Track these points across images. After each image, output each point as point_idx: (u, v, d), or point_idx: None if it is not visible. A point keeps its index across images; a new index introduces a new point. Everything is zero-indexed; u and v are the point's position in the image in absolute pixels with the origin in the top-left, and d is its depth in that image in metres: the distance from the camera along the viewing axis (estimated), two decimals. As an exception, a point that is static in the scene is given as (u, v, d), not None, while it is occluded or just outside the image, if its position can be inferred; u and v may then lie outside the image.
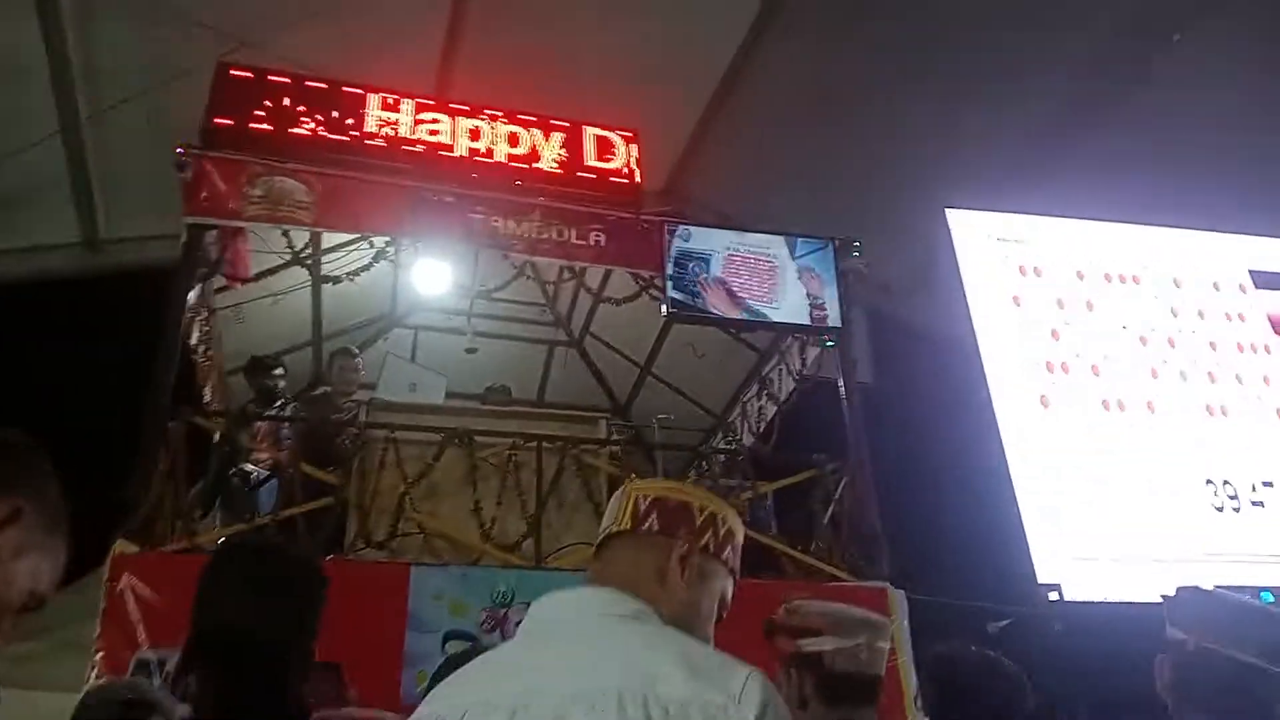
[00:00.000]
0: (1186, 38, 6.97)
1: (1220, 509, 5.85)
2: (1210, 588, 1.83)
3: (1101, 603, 5.45)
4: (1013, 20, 7.18)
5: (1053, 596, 5.43)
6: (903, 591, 5.22)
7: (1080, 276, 6.70)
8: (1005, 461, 5.88)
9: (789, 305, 6.03)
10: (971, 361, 6.27)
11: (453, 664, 2.12)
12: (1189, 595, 1.84)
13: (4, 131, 7.00)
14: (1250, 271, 6.92)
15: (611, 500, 1.53)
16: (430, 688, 2.05)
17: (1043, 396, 6.15)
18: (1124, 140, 7.13)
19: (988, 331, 6.32)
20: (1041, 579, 5.49)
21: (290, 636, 1.83)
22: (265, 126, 5.82)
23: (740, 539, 1.51)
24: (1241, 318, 6.72)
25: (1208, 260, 6.98)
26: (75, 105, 7.19)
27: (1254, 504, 5.90)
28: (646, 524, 1.43)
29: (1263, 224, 7.10)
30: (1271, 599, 5.48)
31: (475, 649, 2.14)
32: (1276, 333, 6.69)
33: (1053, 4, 6.99)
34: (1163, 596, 1.87)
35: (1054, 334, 6.38)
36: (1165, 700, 1.79)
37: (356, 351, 6.46)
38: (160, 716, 2.67)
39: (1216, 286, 6.84)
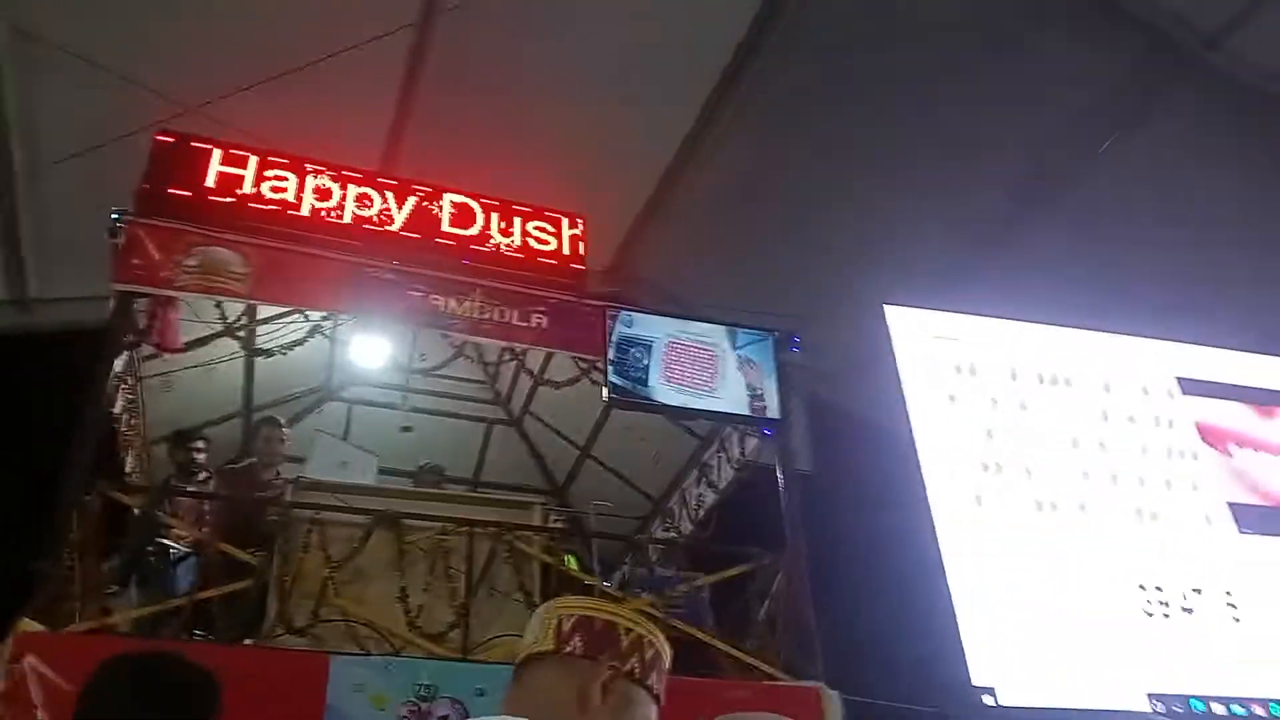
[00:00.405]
0: (1115, 148, 7.27)
1: (1151, 614, 5.89)
2: None
3: (1036, 708, 5.42)
4: (952, 122, 7.44)
5: (988, 700, 5.38)
6: (836, 692, 5.12)
7: (1014, 377, 6.81)
8: (940, 558, 5.87)
9: (729, 395, 6.03)
10: (908, 456, 6.30)
11: None
12: None
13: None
14: (1178, 379, 7.09)
15: (534, 617, 1.46)
16: None
17: (977, 495, 6.19)
18: (1056, 244, 7.38)
19: (924, 427, 6.37)
20: (976, 681, 5.45)
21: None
22: (200, 197, 5.72)
23: (667, 662, 1.44)
24: (1170, 424, 6.87)
25: (1137, 365, 7.14)
26: (10, 163, 7.06)
27: (1184, 610, 5.95)
28: (570, 645, 1.36)
29: (1189, 331, 7.31)
30: (1202, 707, 5.51)
31: None
32: (1204, 440, 6.84)
33: (990, 112, 7.25)
34: None
35: (988, 433, 6.45)
36: None
37: (282, 421, 6.30)
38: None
39: (1146, 391, 7.00)
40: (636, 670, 1.37)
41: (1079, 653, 5.69)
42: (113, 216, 5.41)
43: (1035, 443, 6.51)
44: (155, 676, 1.78)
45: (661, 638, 1.43)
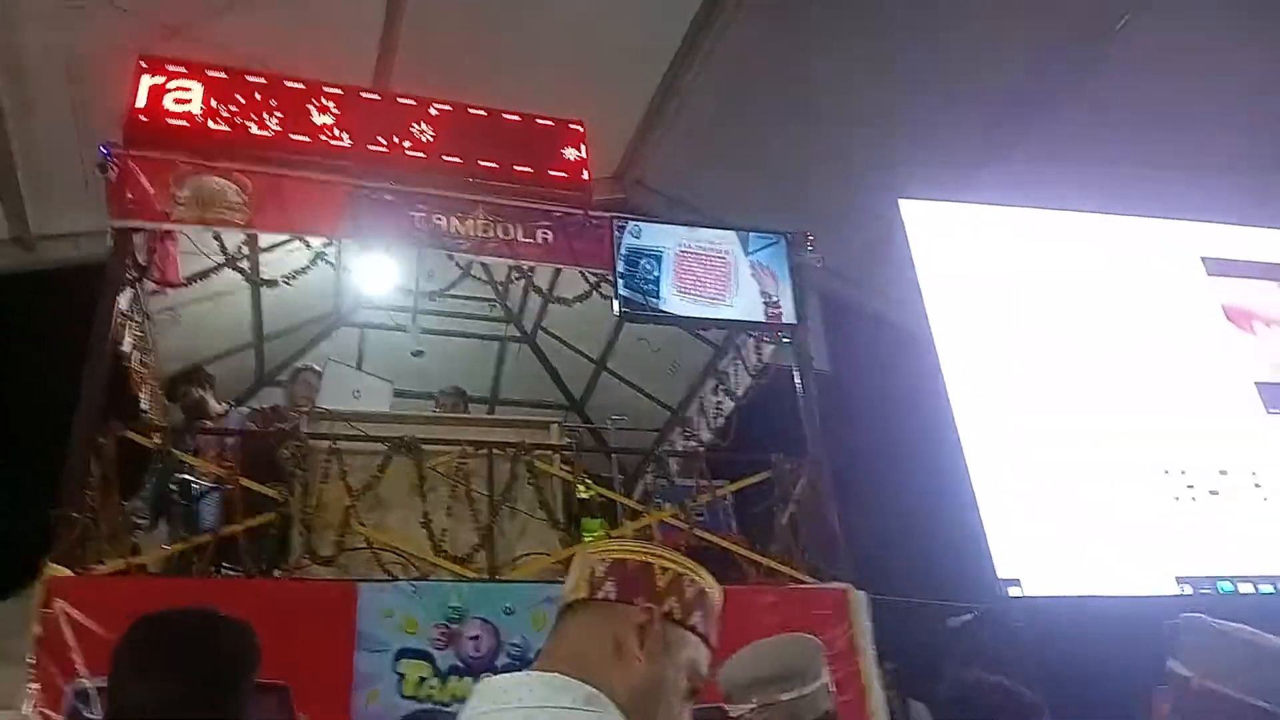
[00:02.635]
0: (1134, 21, 6.95)
1: (1178, 499, 5.87)
2: (1222, 623, 1.71)
3: (1062, 597, 5.44)
4: (964, 8, 7.12)
5: (1013, 591, 5.42)
6: (863, 592, 5.14)
7: (1034, 265, 6.68)
8: (963, 455, 5.85)
9: (743, 302, 5.92)
10: (927, 353, 6.23)
11: None
12: (1197, 629, 1.72)
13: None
14: (1203, 259, 6.94)
15: (572, 564, 1.39)
16: None
17: (998, 387, 6.13)
18: (1074, 129, 7.13)
19: (943, 324, 6.29)
20: (1001, 573, 5.48)
21: (219, 716, 1.69)
22: (191, 123, 5.55)
23: (717, 600, 1.35)
24: (1196, 305, 6.74)
25: (1162, 248, 6.99)
26: (-2, 101, 6.89)
27: (1210, 492, 5.93)
28: (603, 591, 1.30)
29: (1214, 210, 7.11)
30: (1230, 589, 5.52)
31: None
32: (1230, 320, 6.71)
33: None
34: (1168, 624, 1.75)
35: (1009, 324, 6.35)
36: None
37: (321, 370, 6.24)
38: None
39: (1170, 275, 6.86)
40: (676, 611, 1.30)
41: (1105, 540, 5.71)
42: (101, 150, 5.26)
43: (1057, 331, 6.42)
44: (190, 642, 1.73)
45: (707, 575, 1.35)
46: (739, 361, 6.83)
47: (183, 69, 5.75)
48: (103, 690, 4.19)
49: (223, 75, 5.80)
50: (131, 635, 1.76)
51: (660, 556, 1.34)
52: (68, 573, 4.37)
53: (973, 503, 5.68)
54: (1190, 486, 5.92)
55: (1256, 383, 6.52)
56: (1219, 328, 6.71)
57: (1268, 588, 5.68)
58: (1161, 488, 5.91)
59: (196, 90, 5.68)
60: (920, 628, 5.79)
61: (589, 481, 5.51)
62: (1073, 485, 5.85)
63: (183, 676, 1.68)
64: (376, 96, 6.27)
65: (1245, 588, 5.67)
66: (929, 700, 5.43)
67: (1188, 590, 5.57)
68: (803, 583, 5.29)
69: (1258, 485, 6.07)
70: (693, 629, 1.31)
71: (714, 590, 1.35)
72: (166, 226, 5.27)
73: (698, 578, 1.34)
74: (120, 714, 1.70)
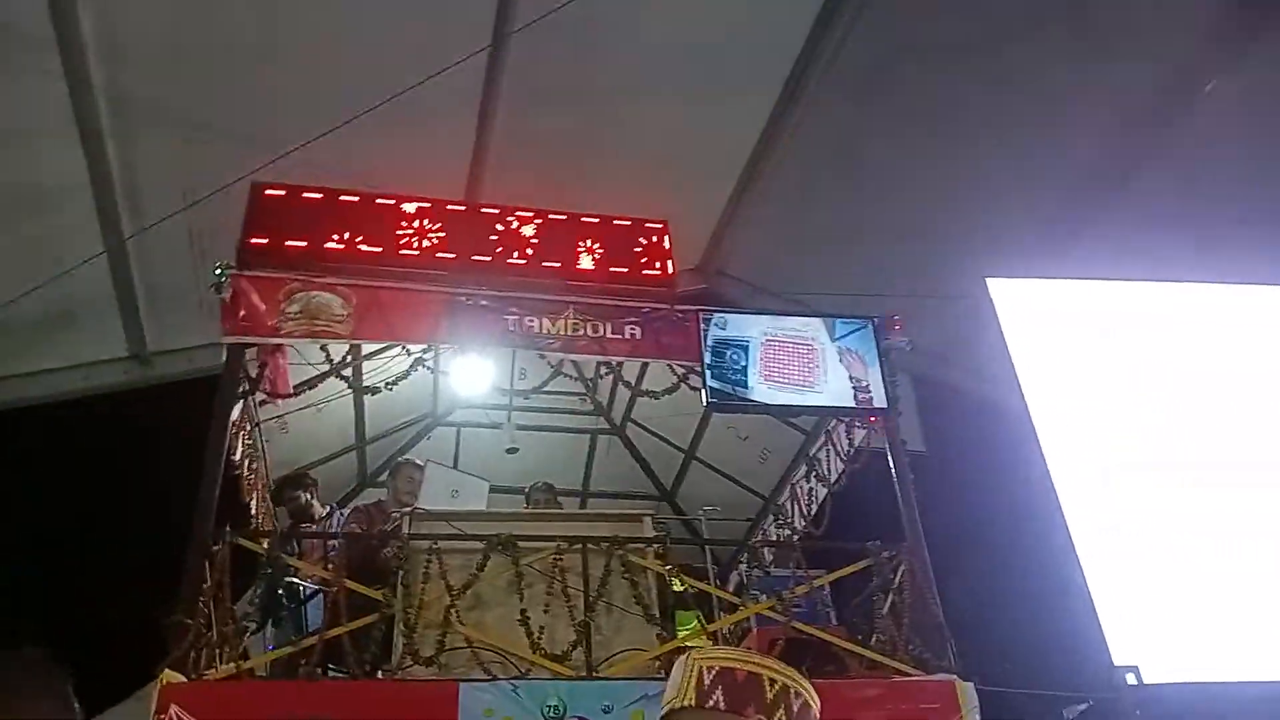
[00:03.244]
0: (1214, 91, 6.87)
1: (1304, 578, 5.55)
2: None
3: (1184, 684, 5.16)
4: (1042, 81, 7.14)
5: (1130, 680, 5.15)
6: (971, 684, 4.97)
7: (1132, 338, 6.51)
8: (1069, 535, 5.65)
9: (832, 388, 5.91)
10: (1025, 432, 6.09)
11: None
12: None
13: (51, 251, 7.22)
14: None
15: (674, 668, 1.43)
16: None
17: (1103, 466, 5.94)
18: (1158, 199, 7.01)
19: (1039, 399, 6.14)
20: (1117, 660, 5.23)
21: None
22: (300, 243, 5.88)
23: (817, 712, 1.39)
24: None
25: (1260, 314, 6.74)
26: (118, 223, 7.40)
27: (1339, 572, 5.59)
28: (713, 699, 1.33)
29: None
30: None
31: None
32: (1346, 387, 6.41)
33: (1081, 66, 6.93)
34: None
35: (1110, 400, 6.18)
36: None
37: (422, 464, 6.42)
38: None
39: (1274, 340, 6.60)
40: None
41: (1230, 621, 5.41)
42: (215, 271, 5.60)
43: (1161, 405, 6.21)
44: None
45: (809, 687, 1.39)
46: (830, 447, 6.78)
47: (289, 193, 6.10)
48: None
49: (325, 197, 6.12)
50: None
51: (769, 667, 1.38)
52: (182, 678, 4.52)
53: (1083, 585, 5.46)
54: (1315, 565, 5.60)
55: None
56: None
57: None
58: (1285, 565, 5.60)
59: (302, 212, 6.02)
60: (1034, 720, 5.55)
61: (682, 575, 5.49)
62: (1191, 563, 5.58)
63: None
64: (468, 207, 6.55)
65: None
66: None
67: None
68: (907, 675, 5.14)
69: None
70: None
71: (816, 703, 1.38)
72: (276, 341, 5.55)
73: (801, 688, 1.37)
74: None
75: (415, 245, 6.02)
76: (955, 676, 5.03)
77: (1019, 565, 6.32)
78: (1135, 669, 5.21)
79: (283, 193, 6.07)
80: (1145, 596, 5.46)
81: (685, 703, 1.35)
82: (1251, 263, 6.76)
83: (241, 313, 5.50)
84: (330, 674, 5.00)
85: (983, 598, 6.36)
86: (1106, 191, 7.33)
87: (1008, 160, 7.51)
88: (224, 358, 5.57)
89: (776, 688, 1.35)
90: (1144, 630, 5.35)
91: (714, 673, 1.35)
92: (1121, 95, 7.13)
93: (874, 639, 5.40)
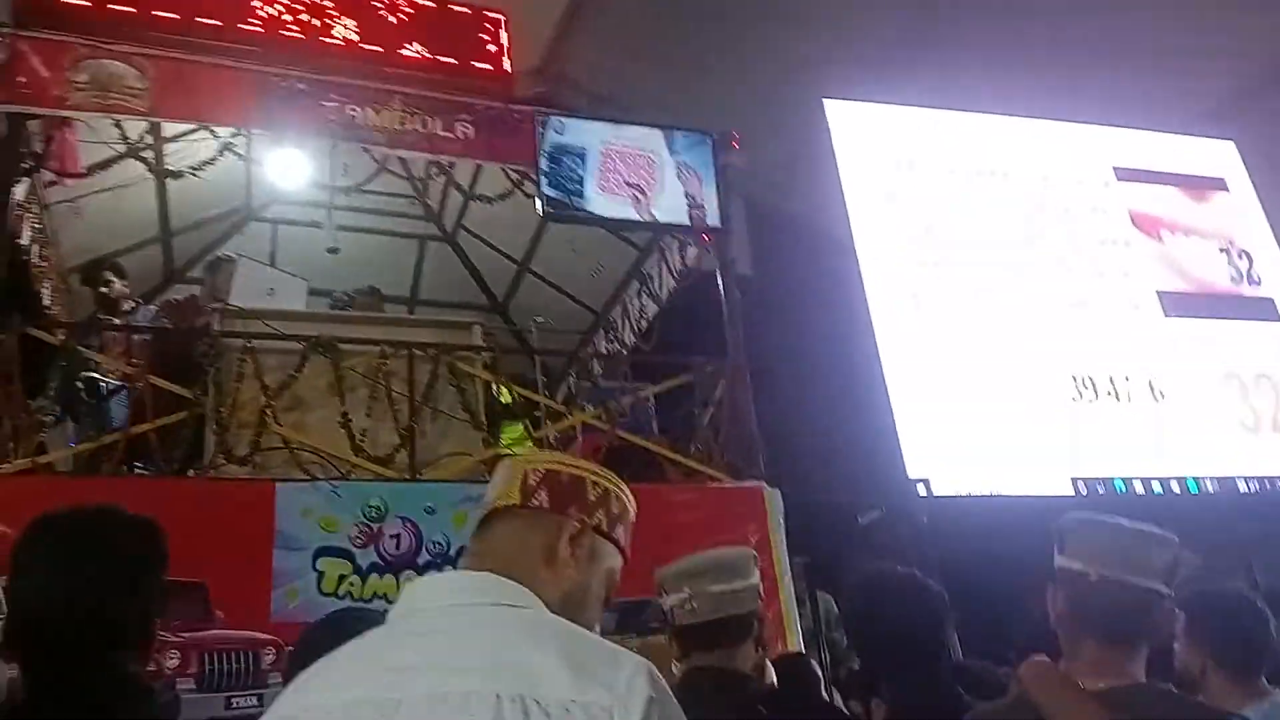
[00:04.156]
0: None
1: (1078, 401, 6.11)
2: (1103, 517, 1.80)
3: (967, 496, 5.67)
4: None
5: (921, 491, 5.63)
6: (778, 490, 5.29)
7: (951, 170, 6.76)
8: (879, 358, 5.99)
9: (667, 203, 5.89)
10: (848, 256, 6.31)
11: (329, 625, 1.98)
12: (1085, 525, 1.81)
13: None
14: (1114, 167, 7.09)
15: (498, 470, 1.41)
16: (303, 653, 1.92)
17: (914, 293, 6.25)
18: (992, 30, 7.11)
19: (863, 226, 6.36)
20: (911, 473, 5.68)
21: (120, 614, 1.67)
22: (86, 2, 5.20)
23: (633, 515, 1.42)
24: (1104, 212, 6.93)
25: (1073, 154, 7.12)
26: None
27: (1110, 395, 6.18)
28: (536, 500, 1.33)
29: (1126, 115, 7.24)
30: (1124, 488, 5.81)
31: (353, 615, 1.99)
32: (1136, 227, 6.91)
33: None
34: (1052, 527, 1.84)
35: (926, 229, 6.45)
36: (1057, 630, 1.79)
37: (237, 259, 6.01)
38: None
39: (1081, 181, 7.01)
40: (603, 523, 1.36)
41: (1008, 441, 5.94)
42: (-10, 27, 4.92)
43: (972, 236, 6.54)
44: (84, 534, 1.70)
45: (628, 491, 1.41)
46: (663, 263, 6.82)
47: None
48: (6, 589, 4.13)
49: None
50: (30, 534, 1.73)
51: (592, 471, 1.39)
52: (-31, 472, 4.24)
53: (886, 405, 5.84)
54: (1091, 389, 6.17)
55: (1158, 290, 6.77)
56: (1125, 234, 6.91)
57: (1159, 487, 6.00)
58: (1064, 390, 6.14)
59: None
60: (831, 524, 5.99)
61: (511, 385, 5.49)
62: (980, 388, 6.05)
63: (82, 573, 1.66)
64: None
65: (1139, 487, 5.98)
66: (836, 592, 5.68)
67: (1083, 491, 5.86)
68: (721, 482, 5.41)
69: (1154, 389, 6.35)
70: (615, 541, 1.37)
71: (633, 507, 1.42)
72: (63, 113, 4.99)
73: (621, 493, 1.39)
74: (20, 612, 1.67)
75: (223, 15, 5.44)
76: (764, 484, 5.34)
77: (832, 384, 6.66)
78: (926, 481, 5.69)
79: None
80: (940, 415, 5.89)
81: (509, 502, 1.35)
82: (1072, 102, 7.06)
83: (20, 79, 4.88)
84: (136, 472, 4.79)
85: (795, 413, 6.70)
86: (942, 21, 7.36)
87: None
88: (3, 128, 4.96)
89: (598, 490, 1.37)
90: (936, 447, 5.81)
91: (539, 474, 1.35)
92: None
93: (692, 448, 5.63)
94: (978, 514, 5.64)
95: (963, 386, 6.00)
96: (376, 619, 2.09)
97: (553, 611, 1.24)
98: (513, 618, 1.20)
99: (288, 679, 2.03)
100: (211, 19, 5.43)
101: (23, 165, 5.13)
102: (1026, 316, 6.38)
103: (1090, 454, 5.95)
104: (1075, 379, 6.18)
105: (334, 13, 5.75)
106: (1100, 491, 5.85)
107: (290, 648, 4.20)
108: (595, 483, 1.37)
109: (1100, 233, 6.85)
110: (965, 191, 6.67)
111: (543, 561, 1.30)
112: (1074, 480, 5.85)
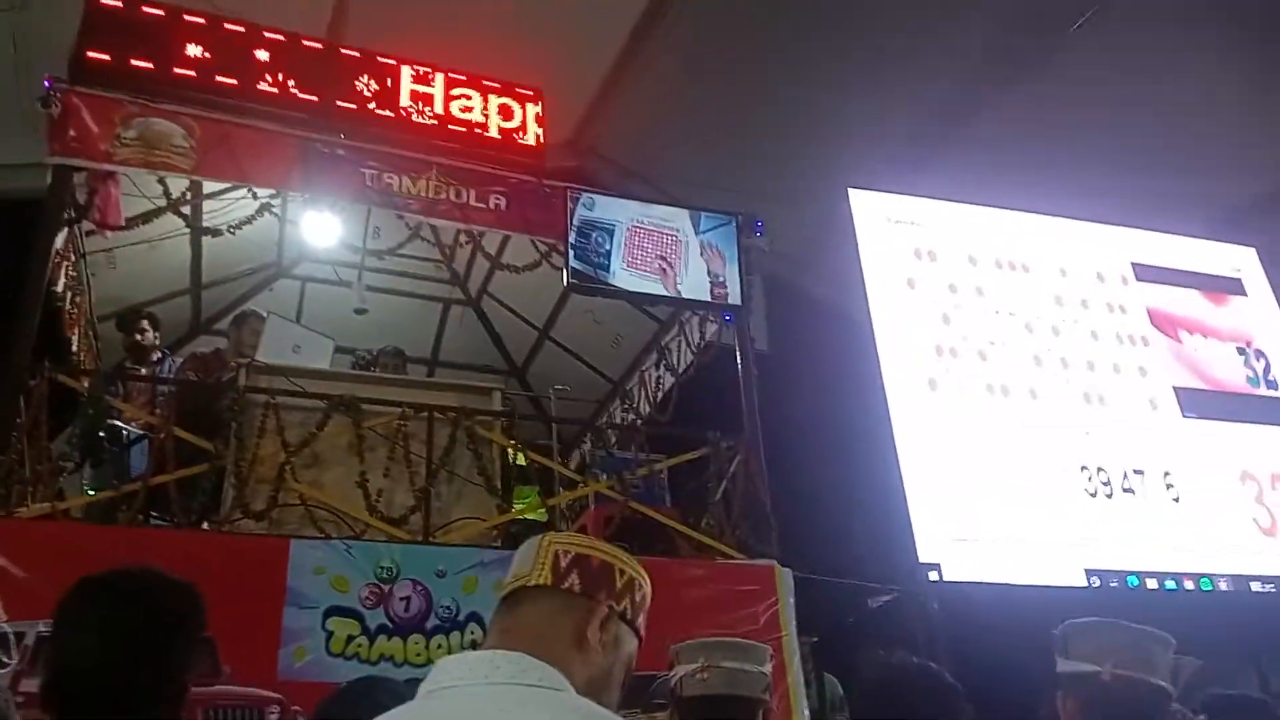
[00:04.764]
0: (1084, 30, 7.11)
1: (1094, 494, 6.11)
2: (1105, 620, 1.82)
3: (979, 583, 5.65)
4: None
5: (932, 576, 5.61)
6: (789, 570, 5.28)
7: (972, 262, 6.86)
8: (893, 440, 6.02)
9: (691, 280, 5.99)
10: (865, 339, 6.38)
11: (355, 695, 2.00)
12: (1089, 626, 1.83)
13: None
14: (1133, 264, 7.18)
15: (524, 547, 1.45)
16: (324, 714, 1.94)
17: (931, 379, 6.30)
18: (1018, 128, 7.30)
19: (882, 311, 6.44)
20: (923, 558, 5.67)
21: (156, 674, 1.71)
22: (144, 64, 5.40)
23: (650, 601, 1.46)
24: (1123, 309, 6.99)
25: (1093, 251, 7.21)
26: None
27: (1125, 490, 6.18)
28: (568, 582, 1.37)
29: (1146, 218, 7.35)
30: (1137, 582, 5.77)
31: (379, 686, 2.01)
32: (1154, 325, 6.97)
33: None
34: (1054, 631, 1.86)
35: (945, 318, 6.53)
36: None
37: (265, 315, 6.12)
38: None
39: (1100, 277, 7.09)
40: (629, 611, 1.40)
41: (1022, 531, 5.93)
42: (45, 84, 5.10)
43: (990, 328, 6.62)
44: (129, 604, 1.74)
45: (648, 580, 1.45)
46: (681, 337, 6.90)
47: (131, 5, 5.57)
48: (19, 635, 4.15)
49: (172, 15, 5.63)
50: (74, 594, 1.77)
51: (619, 559, 1.43)
52: (-9, 515, 4.29)
53: (900, 489, 5.86)
54: (1106, 484, 6.18)
55: (1175, 387, 6.80)
56: (1143, 331, 6.96)
57: (1171, 583, 5.96)
58: (1078, 483, 6.15)
59: (146, 29, 5.53)
60: (841, 606, 5.96)
61: (526, 450, 5.53)
62: (995, 476, 6.07)
63: (122, 635, 1.70)
64: (329, 47, 6.15)
65: (1151, 583, 5.94)
66: (841, 674, 5.63)
67: (1096, 583, 5.82)
68: (732, 558, 5.41)
69: (1170, 485, 6.35)
70: (636, 629, 1.41)
71: (650, 593, 1.46)
72: (109, 167, 5.14)
73: (644, 581, 1.44)
74: (60, 669, 1.72)
75: (273, 81, 5.63)
76: (775, 562, 5.33)
77: (845, 464, 6.69)
78: (937, 566, 5.67)
79: (120, 4, 5.52)
80: (953, 501, 5.90)
81: (539, 581, 1.37)
82: (1091, 202, 7.18)
83: (71, 133, 5.06)
84: (153, 522, 4.83)
85: (808, 492, 6.71)
86: (969, 115, 7.55)
87: (877, 75, 7.61)
88: (49, 179, 5.11)
89: (624, 578, 1.41)
90: (949, 533, 5.80)
91: (570, 556, 1.39)
92: (994, 22, 7.27)
93: (704, 523, 5.64)
94: (990, 603, 5.61)
95: (976, 473, 6.01)
96: (399, 689, 2.12)
97: (578, 693, 1.27)
98: (550, 701, 1.22)
99: (313, 746, 2.05)
100: (268, 86, 5.60)
101: (66, 215, 5.28)
102: (1042, 407, 6.42)
103: (1103, 547, 5.94)
104: (1089, 471, 6.19)
105: (382, 85, 5.91)
106: (1113, 585, 5.82)
107: (297, 708, 4.22)
108: (622, 570, 1.41)
109: (1118, 329, 6.91)
110: (985, 282, 6.76)
111: (573, 644, 1.33)
112: (1087, 572, 5.82)
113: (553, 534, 1.49)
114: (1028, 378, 6.47)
